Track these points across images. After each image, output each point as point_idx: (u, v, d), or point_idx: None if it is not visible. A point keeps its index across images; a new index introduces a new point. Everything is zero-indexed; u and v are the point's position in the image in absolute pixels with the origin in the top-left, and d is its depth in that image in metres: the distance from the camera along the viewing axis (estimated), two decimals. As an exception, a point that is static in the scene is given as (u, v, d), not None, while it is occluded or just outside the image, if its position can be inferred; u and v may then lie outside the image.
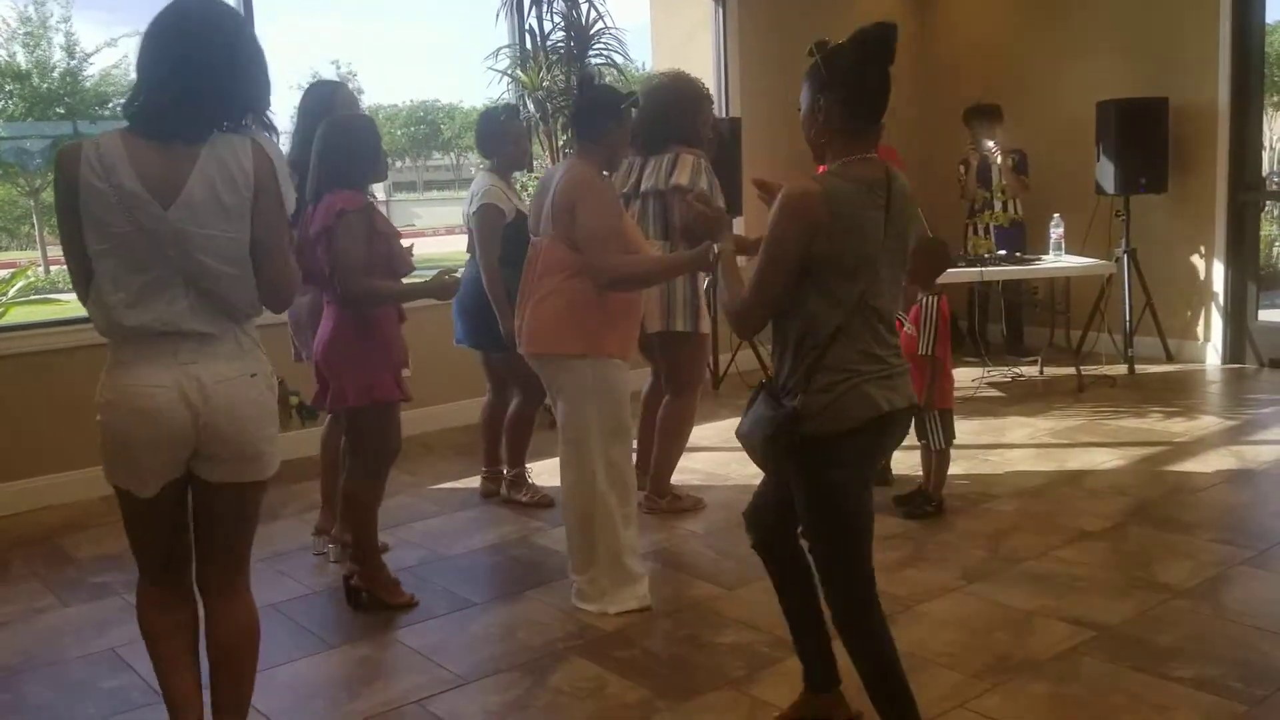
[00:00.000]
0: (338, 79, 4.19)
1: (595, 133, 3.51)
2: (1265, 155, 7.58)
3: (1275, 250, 9.13)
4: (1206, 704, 2.83)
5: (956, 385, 6.47)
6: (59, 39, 14.81)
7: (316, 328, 3.94)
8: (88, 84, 15.08)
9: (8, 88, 15.06)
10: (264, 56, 2.32)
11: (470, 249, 4.54)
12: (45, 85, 14.91)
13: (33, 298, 9.24)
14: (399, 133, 26.44)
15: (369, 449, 3.62)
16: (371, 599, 3.65)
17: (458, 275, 3.77)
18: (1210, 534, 4.07)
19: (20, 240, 17.06)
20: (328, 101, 4.02)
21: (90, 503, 4.90)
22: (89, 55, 14.91)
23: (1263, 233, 7.50)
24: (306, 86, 4.16)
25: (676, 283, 4.30)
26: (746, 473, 4.63)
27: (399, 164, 26.60)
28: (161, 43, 2.21)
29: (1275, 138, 9.67)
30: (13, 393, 4.85)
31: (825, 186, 2.32)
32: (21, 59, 14.69)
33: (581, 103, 3.62)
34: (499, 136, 4.57)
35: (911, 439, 4.54)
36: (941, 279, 4.54)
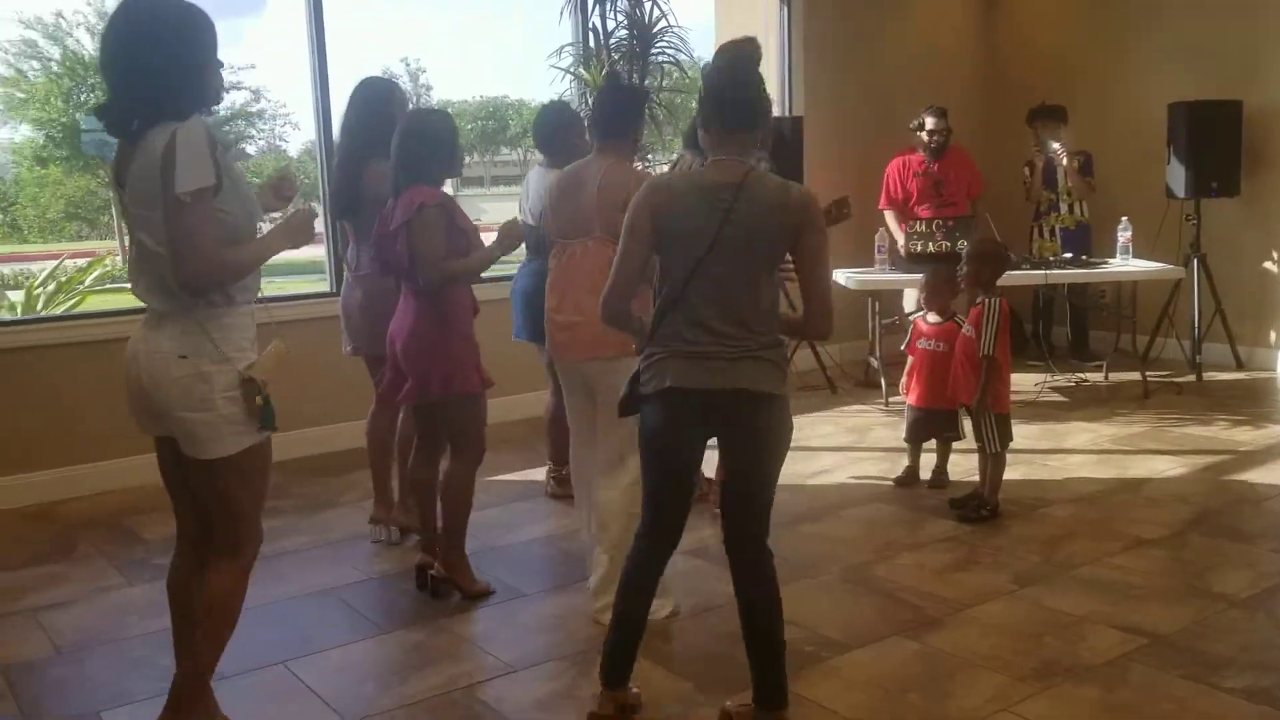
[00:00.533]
0: (391, 78, 4.21)
1: (626, 130, 3.48)
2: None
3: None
4: (1256, 715, 2.79)
5: (1018, 390, 6.44)
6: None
7: (370, 321, 4.00)
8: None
9: (90, 81, 15.48)
10: (197, 57, 2.44)
11: (530, 246, 4.50)
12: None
13: (109, 286, 9.52)
14: (467, 128, 26.74)
15: (460, 439, 3.67)
16: (448, 588, 3.71)
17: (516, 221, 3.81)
18: (1272, 544, 3.99)
19: (100, 230, 17.55)
20: (384, 99, 4.08)
21: (157, 486, 5.00)
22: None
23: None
24: (360, 80, 4.22)
25: None
26: (789, 470, 4.63)
27: (467, 159, 26.89)
28: (101, 47, 2.49)
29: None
30: (85, 378, 5.00)
31: (666, 180, 2.76)
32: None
33: (618, 100, 3.58)
34: (566, 131, 4.53)
35: (969, 443, 4.53)
36: (1003, 281, 4.51)
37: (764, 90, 2.67)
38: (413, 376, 3.57)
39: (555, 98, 5.88)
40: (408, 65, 23.47)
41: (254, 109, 20.33)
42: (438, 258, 3.46)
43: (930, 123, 6.93)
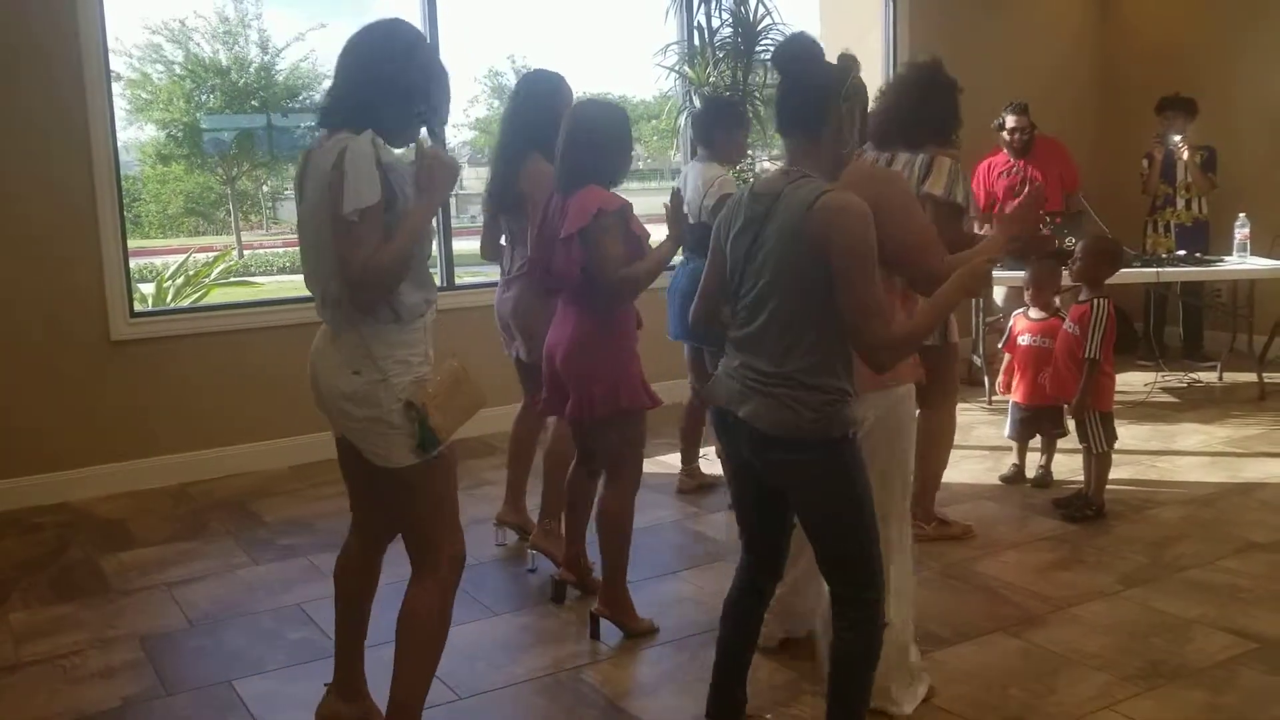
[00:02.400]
0: (558, 73, 3.97)
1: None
2: None
3: None
4: (1372, 722, 2.75)
5: (1128, 389, 6.34)
6: (253, 35, 15.74)
7: (521, 326, 3.85)
8: (280, 78, 15.99)
9: (210, 82, 16.09)
10: (431, 80, 2.45)
11: (689, 245, 4.35)
12: (242, 80, 15.89)
13: (232, 280, 9.94)
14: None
15: (618, 462, 3.40)
16: (610, 625, 3.45)
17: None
18: (1392, 551, 3.89)
19: (216, 225, 18.18)
20: (550, 92, 3.84)
21: (279, 471, 5.28)
22: (280, 50, 15.78)
23: None
24: (524, 73, 4.18)
25: None
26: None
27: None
28: (342, 61, 2.47)
29: None
30: (212, 368, 5.26)
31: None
32: (223, 56, 15.71)
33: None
34: (729, 125, 4.47)
35: (1074, 441, 4.50)
36: (1112, 279, 4.44)
37: (823, 88, 2.32)
38: (575, 391, 3.30)
39: (660, 95, 5.95)
40: (513, 63, 23.72)
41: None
42: (619, 266, 3.18)
43: (1010, 121, 6.75)
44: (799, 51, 2.38)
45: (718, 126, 4.51)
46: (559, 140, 3.30)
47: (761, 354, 2.34)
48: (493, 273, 4.36)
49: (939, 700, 2.93)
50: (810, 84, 2.32)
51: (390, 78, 2.39)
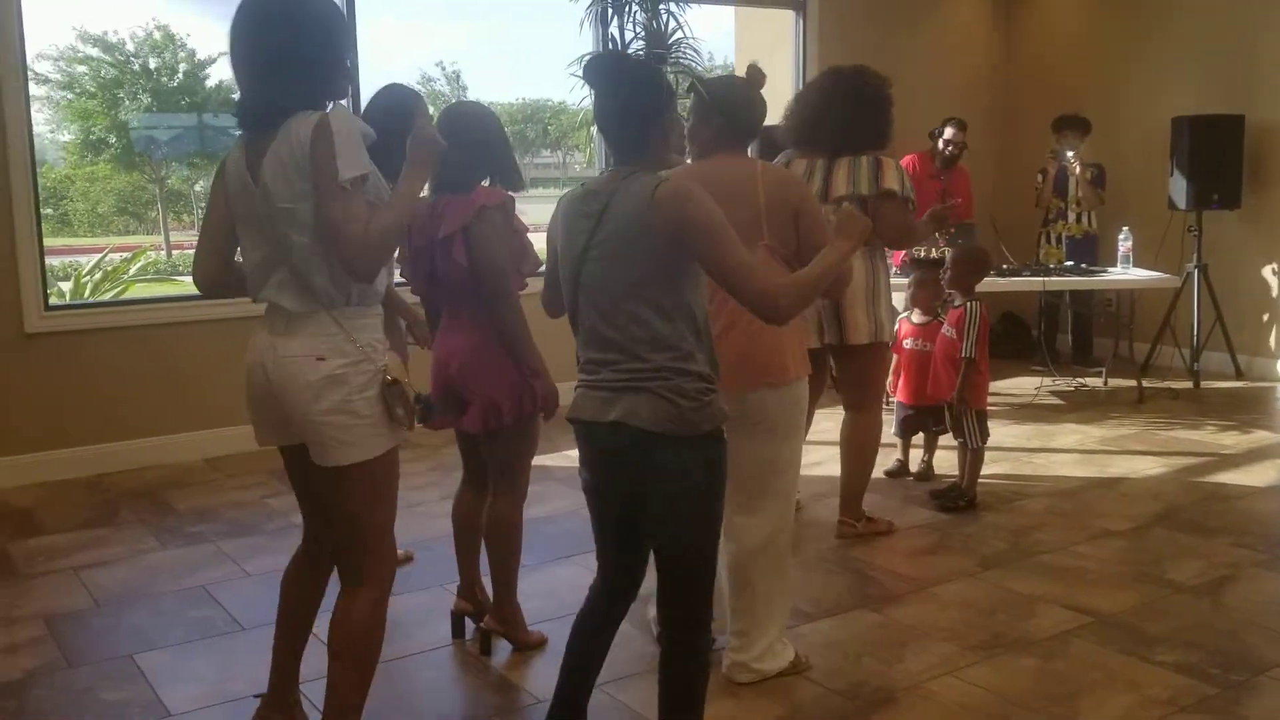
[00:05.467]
0: (408, 87, 3.97)
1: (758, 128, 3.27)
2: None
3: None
4: (1179, 684, 3.04)
5: (1018, 392, 6.68)
6: (182, 53, 16.00)
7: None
8: (209, 84, 16.05)
9: (137, 84, 16.10)
10: (339, 43, 2.39)
11: None
12: (173, 82, 15.94)
13: (151, 277, 9.97)
14: (507, 130, 27.10)
15: (507, 474, 3.27)
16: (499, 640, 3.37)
17: None
18: (1231, 539, 4.21)
19: (146, 225, 18.05)
20: (408, 108, 3.97)
21: (193, 464, 5.40)
22: (206, 65, 15.98)
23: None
24: (381, 88, 3.98)
25: (882, 287, 4.17)
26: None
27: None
28: (230, 44, 2.39)
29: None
30: (130, 361, 5.37)
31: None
32: (151, 62, 15.82)
33: (755, 94, 3.19)
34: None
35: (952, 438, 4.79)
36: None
37: (634, 97, 2.37)
38: (479, 403, 3.13)
39: (581, 104, 6.17)
40: (444, 69, 23.80)
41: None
42: (506, 265, 3.07)
43: (950, 132, 7.15)
44: (608, 67, 2.46)
45: None
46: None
47: (622, 350, 2.31)
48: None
49: (797, 666, 3.17)
50: (623, 96, 2.38)
51: (302, 59, 2.33)
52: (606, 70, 2.43)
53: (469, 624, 3.46)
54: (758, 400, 2.99)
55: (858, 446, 4.33)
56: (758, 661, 3.08)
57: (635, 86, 2.38)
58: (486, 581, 3.42)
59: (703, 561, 2.37)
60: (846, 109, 4.08)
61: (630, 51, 6.46)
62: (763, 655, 3.08)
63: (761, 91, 3.22)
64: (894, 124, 4.20)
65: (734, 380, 2.84)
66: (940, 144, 7.18)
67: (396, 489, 2.51)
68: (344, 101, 2.54)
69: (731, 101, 3.11)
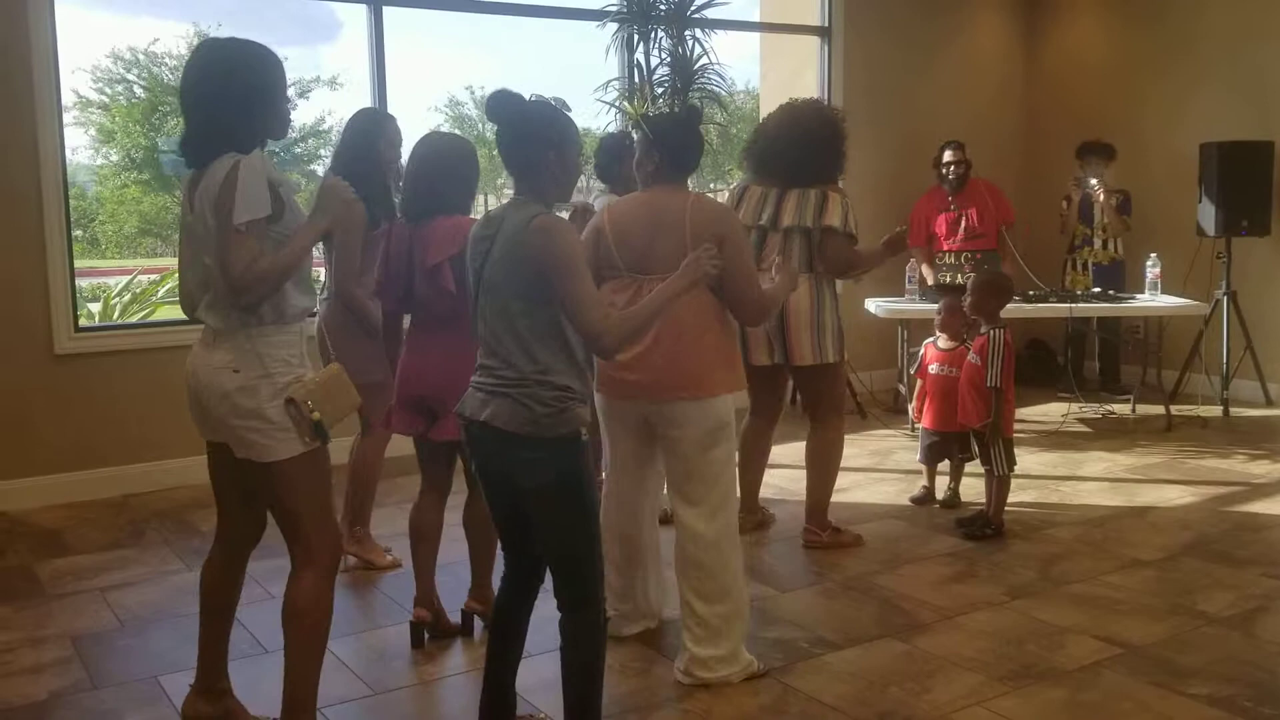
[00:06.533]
0: (382, 111, 4.10)
1: (695, 164, 3.49)
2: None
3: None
4: (1211, 717, 3.00)
5: (1045, 419, 6.64)
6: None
7: (342, 337, 3.74)
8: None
9: (170, 104, 16.22)
10: (264, 93, 2.65)
11: None
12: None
13: (178, 299, 10.06)
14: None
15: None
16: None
17: None
18: (1262, 569, 4.16)
19: (171, 246, 18.25)
20: (378, 130, 4.06)
21: (218, 484, 5.41)
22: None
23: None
24: (356, 111, 4.22)
25: (828, 313, 4.33)
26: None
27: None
28: (183, 82, 2.73)
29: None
30: (158, 382, 5.39)
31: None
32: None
33: (694, 134, 3.45)
34: (626, 159, 4.51)
35: (979, 465, 4.76)
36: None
37: (529, 136, 2.61)
38: (443, 413, 3.38)
39: (602, 129, 6.22)
40: (472, 93, 24.03)
41: (324, 128, 21.01)
42: None
43: (946, 155, 7.19)
44: (506, 104, 2.63)
45: (616, 161, 4.78)
46: (407, 170, 3.54)
47: (501, 359, 2.59)
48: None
49: (823, 696, 3.15)
50: (518, 133, 2.62)
51: (235, 104, 2.60)
52: (505, 106, 2.63)
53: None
54: (678, 411, 3.25)
55: (819, 458, 4.52)
56: (722, 664, 3.25)
57: (528, 123, 2.62)
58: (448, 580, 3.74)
59: (574, 544, 2.60)
60: (798, 145, 4.33)
61: (656, 78, 6.50)
62: (728, 657, 3.26)
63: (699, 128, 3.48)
64: (845, 158, 4.45)
65: (656, 392, 3.24)
66: (942, 169, 7.21)
67: (326, 483, 2.75)
68: (271, 145, 2.84)
69: (669, 141, 3.40)
